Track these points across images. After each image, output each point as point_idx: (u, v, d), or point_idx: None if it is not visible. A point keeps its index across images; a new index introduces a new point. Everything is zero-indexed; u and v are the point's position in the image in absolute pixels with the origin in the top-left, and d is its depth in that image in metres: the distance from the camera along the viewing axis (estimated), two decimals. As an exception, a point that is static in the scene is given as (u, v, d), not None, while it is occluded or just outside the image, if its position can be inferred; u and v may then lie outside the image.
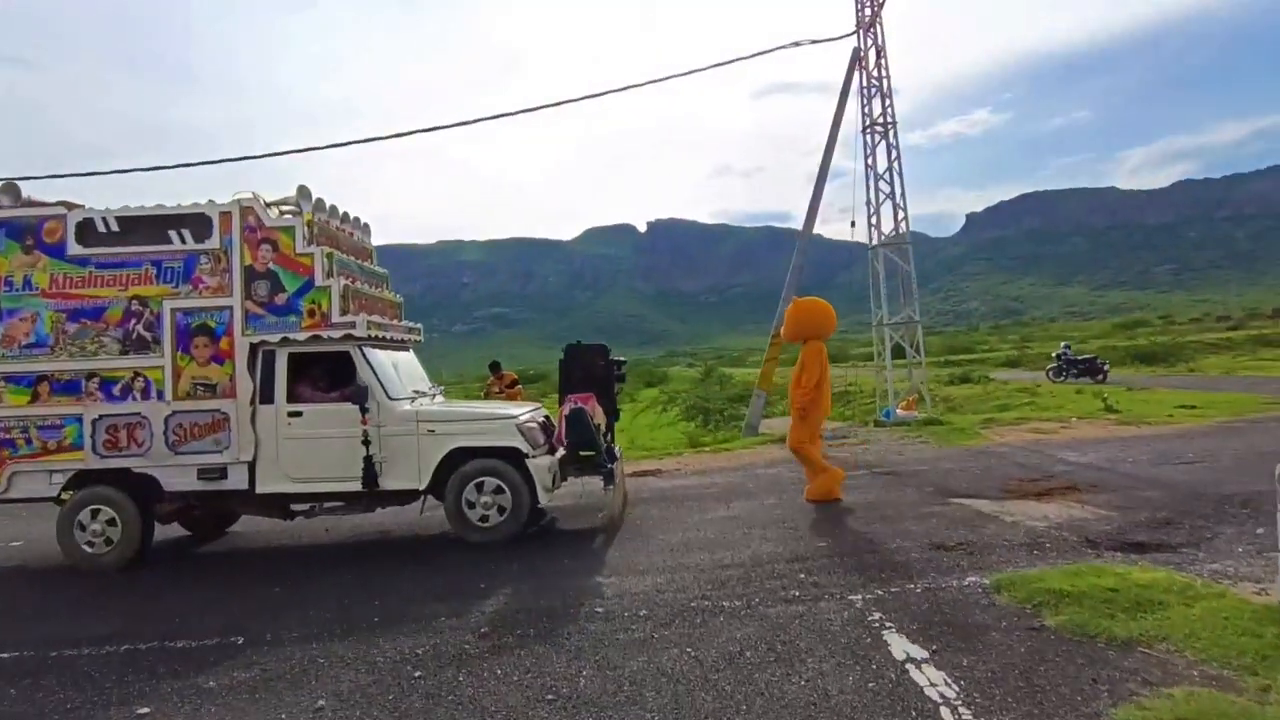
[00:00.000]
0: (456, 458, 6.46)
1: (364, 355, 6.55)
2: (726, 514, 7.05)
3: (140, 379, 6.46)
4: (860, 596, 4.48)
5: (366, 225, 8.04)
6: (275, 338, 6.47)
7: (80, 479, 6.49)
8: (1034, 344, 50.48)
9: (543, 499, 6.50)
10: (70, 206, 6.75)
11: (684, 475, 9.69)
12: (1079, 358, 23.52)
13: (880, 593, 4.53)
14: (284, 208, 6.90)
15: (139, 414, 6.42)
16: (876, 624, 4.03)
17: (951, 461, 9.32)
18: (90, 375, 6.45)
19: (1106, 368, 22.62)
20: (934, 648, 3.68)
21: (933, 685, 3.29)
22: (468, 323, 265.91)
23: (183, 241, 6.57)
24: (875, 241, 14.64)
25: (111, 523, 6.40)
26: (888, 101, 14.25)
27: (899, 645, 3.73)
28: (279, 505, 6.80)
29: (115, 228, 6.58)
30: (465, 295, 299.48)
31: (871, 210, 14.56)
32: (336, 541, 7.28)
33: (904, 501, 7.09)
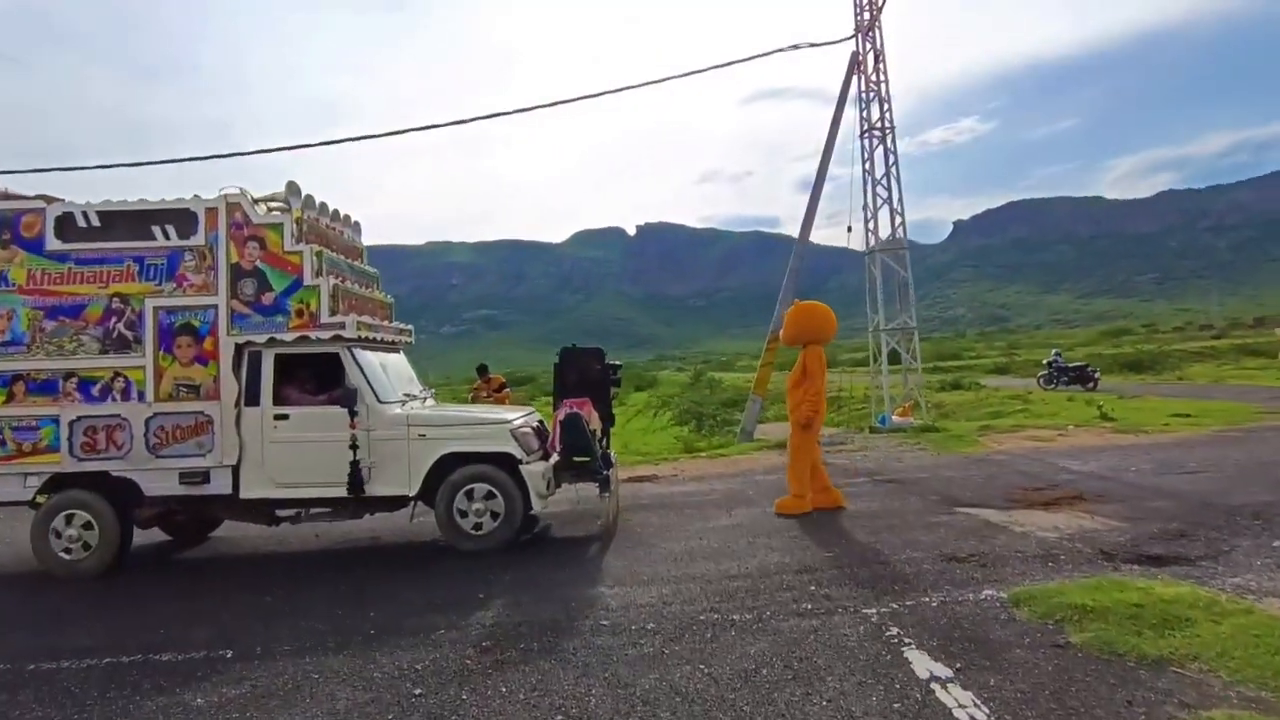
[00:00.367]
0: (448, 463, 6.26)
1: (353, 357, 6.35)
2: (729, 522, 6.88)
3: (120, 379, 6.23)
4: (875, 610, 4.31)
5: (357, 223, 7.84)
6: (262, 338, 6.27)
7: (57, 482, 6.25)
8: (1021, 351, 50.77)
9: (536, 506, 6.32)
10: (49, 200, 6.53)
11: (682, 481, 9.52)
12: (1070, 365, 23.59)
13: (895, 606, 4.36)
14: (272, 204, 6.71)
15: (119, 415, 6.19)
16: (895, 640, 3.86)
17: (953, 469, 9.20)
18: (68, 375, 6.22)
19: (1097, 375, 22.69)
20: (957, 665, 3.52)
21: (961, 707, 3.13)
22: (456, 324, 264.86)
23: (166, 238, 6.36)
24: (872, 246, 14.55)
25: (88, 526, 6.14)
26: (886, 106, 14.18)
27: (921, 663, 3.56)
28: (264, 511, 6.59)
29: (96, 222, 6.37)
30: (453, 297, 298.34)
31: (869, 215, 14.49)
32: (327, 548, 7.05)
33: (909, 510, 6.94)
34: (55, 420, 6.17)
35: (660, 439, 17.82)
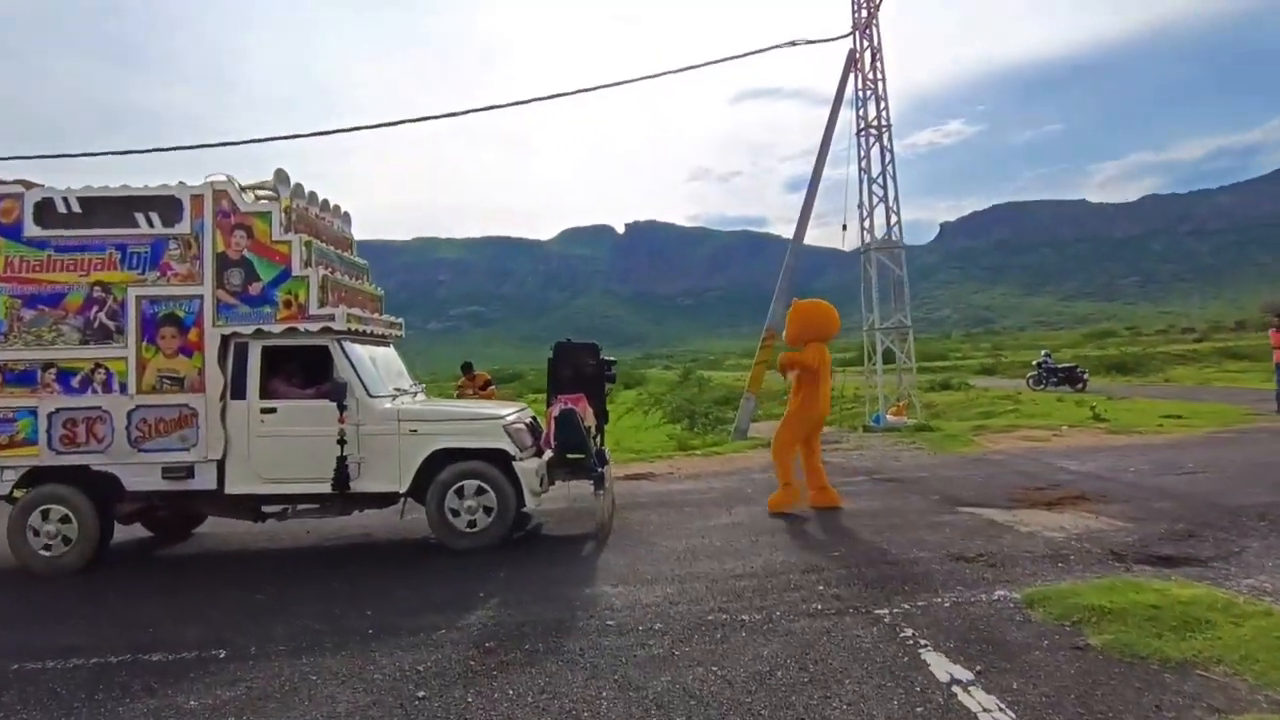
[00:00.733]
0: (439, 460, 6.10)
1: (343, 350, 6.18)
2: (729, 520, 6.76)
3: (101, 371, 6.03)
4: (886, 611, 4.20)
5: (347, 214, 7.66)
6: (248, 329, 6.08)
7: (35, 476, 6.03)
8: (1006, 352, 51.09)
9: (530, 503, 6.19)
10: (28, 185, 6.30)
11: (678, 479, 9.39)
12: (1059, 366, 23.67)
13: (907, 607, 4.25)
14: (260, 192, 6.52)
15: (99, 408, 5.98)
16: (910, 641, 3.74)
17: (951, 468, 9.14)
18: (47, 366, 6.01)
19: (1086, 376, 22.77)
20: (978, 668, 3.41)
21: (986, 711, 3.02)
22: (442, 321, 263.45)
23: (150, 225, 6.16)
24: (868, 244, 14.48)
25: (65, 520, 5.93)
26: (883, 104, 14.11)
27: (940, 665, 3.45)
28: (249, 507, 6.40)
29: (77, 209, 6.16)
30: (441, 293, 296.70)
31: (864, 213, 14.41)
32: (318, 544, 6.88)
33: (911, 509, 6.85)
34: (33, 412, 5.95)
35: (653, 437, 17.69)
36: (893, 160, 14.29)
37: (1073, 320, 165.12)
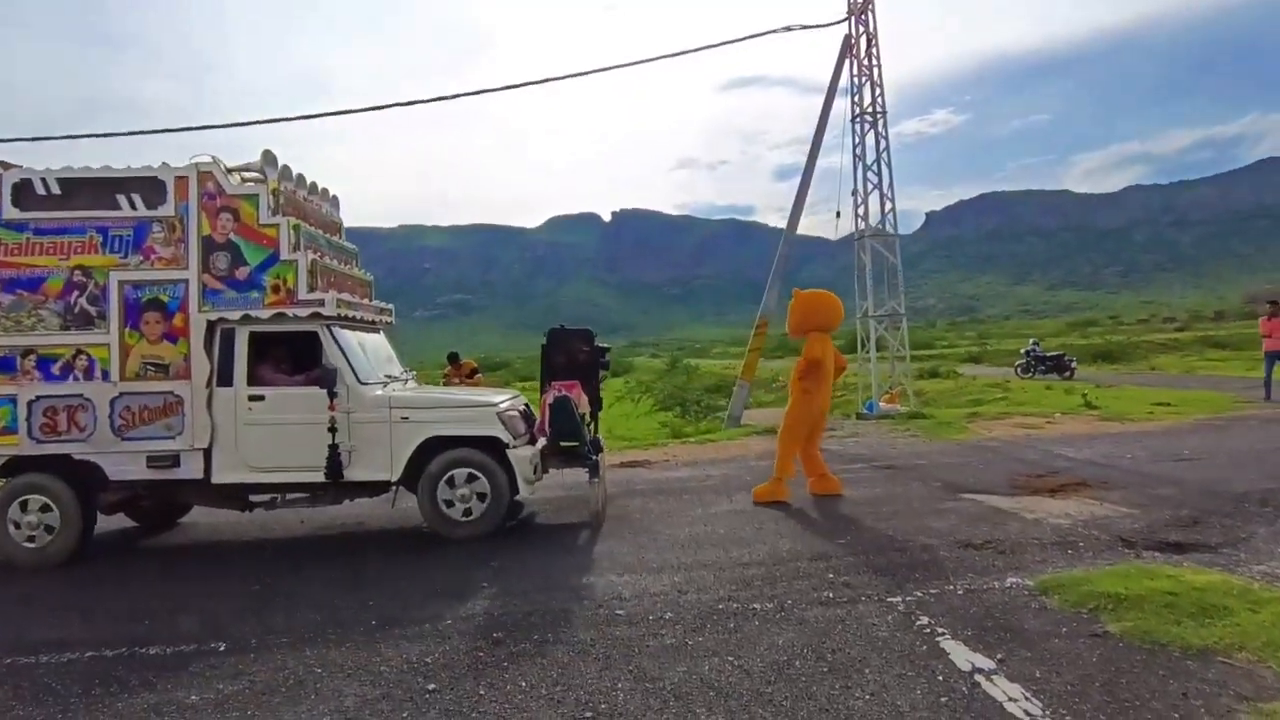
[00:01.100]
0: (431, 447, 5.95)
1: (333, 335, 6.02)
2: (731, 507, 6.67)
3: (83, 357, 5.84)
4: (900, 599, 4.12)
5: (335, 198, 7.47)
6: (235, 315, 5.91)
7: (14, 465, 5.84)
8: (992, 340, 51.38)
9: (524, 491, 6.07)
10: (6, 166, 6.08)
11: (675, 467, 9.29)
12: (1047, 354, 23.79)
13: (920, 594, 4.18)
14: (247, 174, 6.31)
15: (81, 395, 5.80)
16: (928, 629, 3.67)
17: (948, 455, 9.10)
18: (26, 352, 5.82)
19: (1074, 365, 22.90)
20: (999, 656, 3.34)
21: (1012, 700, 2.95)
22: (429, 309, 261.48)
23: (133, 207, 5.96)
24: (862, 232, 14.39)
25: (45, 509, 5.74)
26: (878, 90, 13.98)
27: (960, 654, 3.38)
28: (237, 496, 6.27)
29: (56, 190, 5.96)
30: (427, 281, 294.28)
31: (859, 200, 14.31)
32: (313, 534, 6.73)
33: (913, 496, 6.79)
34: (13, 400, 5.77)
35: (644, 424, 17.60)
36: (887, 147, 14.20)
37: (1057, 309, 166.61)
